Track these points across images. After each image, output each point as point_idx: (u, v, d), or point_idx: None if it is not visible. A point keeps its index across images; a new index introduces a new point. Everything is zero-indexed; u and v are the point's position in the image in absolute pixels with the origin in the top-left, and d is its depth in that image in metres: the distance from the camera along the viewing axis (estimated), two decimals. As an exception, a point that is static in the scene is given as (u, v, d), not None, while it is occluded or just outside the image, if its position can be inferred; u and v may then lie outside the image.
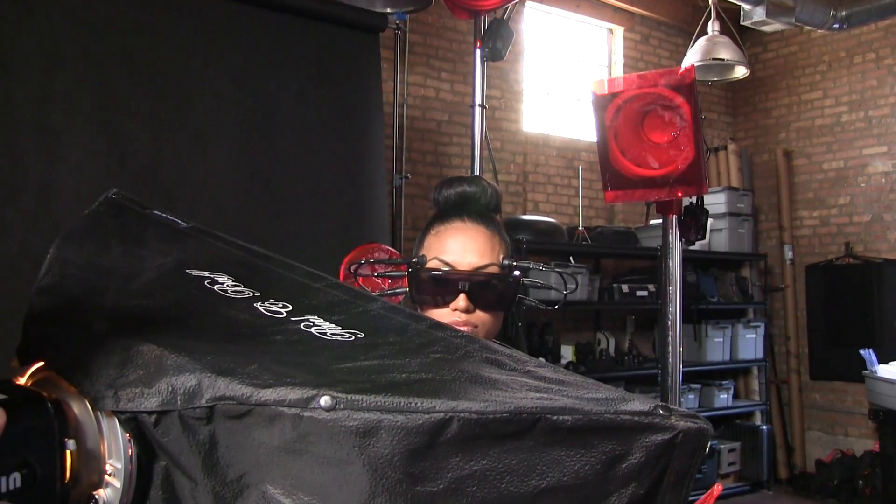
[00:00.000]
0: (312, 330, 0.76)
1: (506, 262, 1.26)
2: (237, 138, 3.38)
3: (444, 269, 1.24)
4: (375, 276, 1.50)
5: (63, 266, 0.87)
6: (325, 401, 0.60)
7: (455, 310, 1.22)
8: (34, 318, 0.80)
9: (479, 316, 1.24)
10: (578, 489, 0.63)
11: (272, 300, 0.82)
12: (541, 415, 0.62)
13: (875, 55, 6.14)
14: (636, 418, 0.64)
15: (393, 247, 3.59)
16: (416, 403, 0.60)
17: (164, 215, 0.99)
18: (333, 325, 0.77)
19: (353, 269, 1.49)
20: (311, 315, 0.79)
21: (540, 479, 0.62)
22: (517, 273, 1.26)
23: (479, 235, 1.27)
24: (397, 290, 1.31)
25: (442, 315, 1.23)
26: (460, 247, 1.25)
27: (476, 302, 1.23)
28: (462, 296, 1.22)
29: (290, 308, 0.80)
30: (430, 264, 1.25)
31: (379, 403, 0.60)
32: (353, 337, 0.75)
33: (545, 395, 0.65)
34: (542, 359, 0.78)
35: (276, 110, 3.49)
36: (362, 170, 3.72)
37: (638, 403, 0.65)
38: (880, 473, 5.37)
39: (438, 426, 0.60)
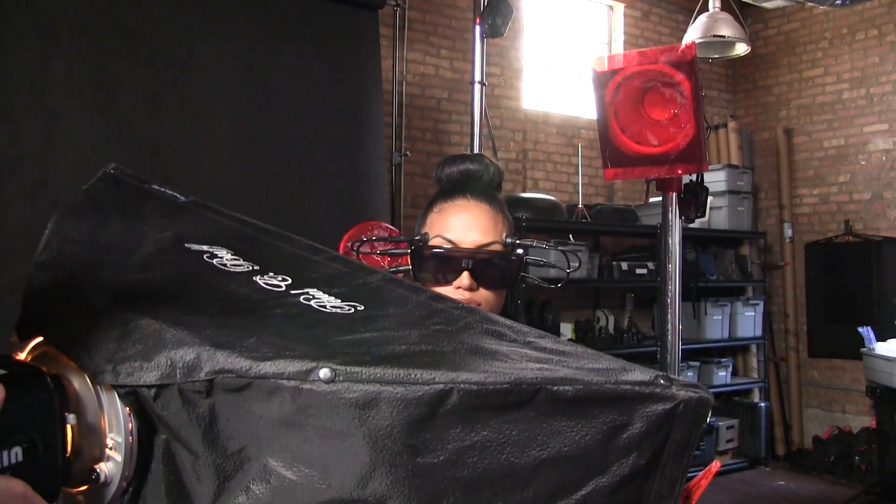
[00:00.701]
0: (312, 303, 0.75)
1: (509, 240, 1.26)
2: (236, 116, 3.36)
3: (448, 246, 1.24)
4: (378, 254, 1.49)
5: (61, 241, 0.86)
6: (324, 373, 0.60)
7: (458, 288, 1.22)
8: (33, 294, 0.79)
9: (482, 294, 1.24)
10: (579, 459, 0.63)
11: (271, 273, 0.81)
12: (541, 385, 0.62)
13: (878, 31, 6.09)
14: (637, 388, 0.64)
15: (392, 224, 3.58)
16: (415, 375, 0.60)
17: (162, 189, 0.98)
18: (333, 298, 0.76)
19: (354, 246, 1.48)
20: (310, 288, 0.78)
21: (541, 449, 0.62)
22: (520, 251, 1.26)
23: (483, 213, 1.26)
24: (399, 268, 1.30)
25: (444, 293, 1.22)
26: (464, 224, 1.25)
27: (479, 280, 1.23)
28: (465, 273, 1.21)
29: (290, 281, 0.80)
30: (434, 242, 1.25)
31: (378, 375, 0.60)
32: (353, 309, 0.74)
33: (546, 366, 0.65)
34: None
35: (274, 87, 3.47)
36: (361, 147, 3.70)
37: (639, 373, 0.65)
38: (876, 449, 5.41)
39: (438, 397, 0.60)
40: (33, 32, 2.92)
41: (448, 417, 0.60)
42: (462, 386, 0.60)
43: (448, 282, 1.23)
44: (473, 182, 1.30)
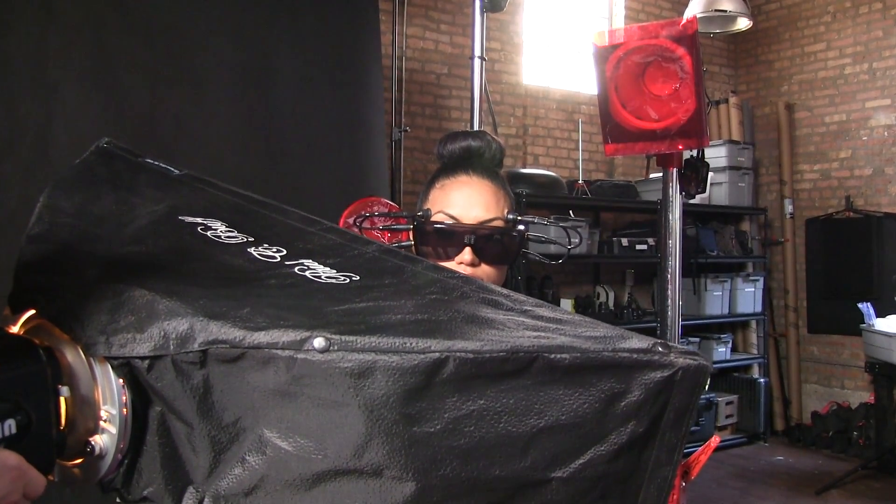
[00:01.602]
0: (307, 273, 0.75)
1: (510, 216, 1.27)
2: (235, 91, 3.33)
3: (450, 222, 1.24)
4: (380, 229, 1.49)
5: (54, 214, 0.86)
6: (318, 342, 0.59)
7: (460, 263, 1.23)
8: (25, 266, 0.78)
9: (484, 269, 1.24)
10: (577, 428, 0.63)
11: (266, 245, 0.81)
12: (538, 353, 0.61)
13: (882, 5, 6.02)
14: (635, 356, 0.63)
15: (392, 200, 3.57)
16: (411, 344, 0.60)
17: (156, 162, 0.97)
18: (328, 269, 0.76)
19: (357, 221, 1.48)
20: (305, 259, 0.78)
21: (538, 418, 0.62)
22: (522, 227, 1.26)
23: (485, 189, 1.27)
24: (401, 244, 1.30)
25: None
26: (466, 200, 1.25)
27: (481, 255, 1.23)
28: (467, 249, 1.22)
29: (284, 252, 0.79)
30: (436, 217, 1.26)
31: (373, 344, 0.59)
32: (348, 280, 0.74)
33: (542, 334, 0.64)
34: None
35: (273, 62, 3.44)
36: (361, 123, 3.68)
37: (636, 341, 0.64)
38: (874, 424, 5.44)
39: (434, 366, 0.59)
40: (31, 7, 2.89)
41: (444, 386, 0.60)
42: (458, 354, 0.60)
43: (450, 257, 1.23)
44: (476, 159, 1.31)
